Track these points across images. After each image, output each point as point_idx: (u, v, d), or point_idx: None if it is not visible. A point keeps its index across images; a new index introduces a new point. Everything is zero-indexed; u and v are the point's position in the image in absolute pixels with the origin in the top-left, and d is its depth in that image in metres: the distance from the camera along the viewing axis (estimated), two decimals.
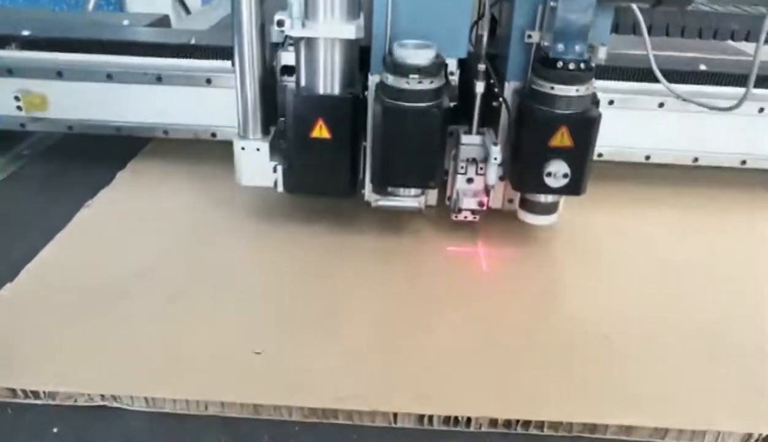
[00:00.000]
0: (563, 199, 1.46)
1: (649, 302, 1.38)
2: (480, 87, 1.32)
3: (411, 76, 1.25)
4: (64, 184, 1.72)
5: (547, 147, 1.30)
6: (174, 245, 1.48)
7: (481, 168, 1.41)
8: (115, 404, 1.09)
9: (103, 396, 1.09)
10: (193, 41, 1.72)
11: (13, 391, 1.09)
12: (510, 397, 1.12)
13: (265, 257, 1.49)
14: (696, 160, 1.73)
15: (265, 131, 1.45)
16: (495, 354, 1.22)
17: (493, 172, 1.38)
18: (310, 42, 1.33)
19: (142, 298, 1.31)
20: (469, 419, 1.08)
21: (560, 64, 1.25)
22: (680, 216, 1.69)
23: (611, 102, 1.65)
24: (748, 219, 1.69)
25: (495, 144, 1.35)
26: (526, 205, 1.45)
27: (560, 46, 1.24)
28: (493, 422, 1.08)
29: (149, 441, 1.05)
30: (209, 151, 1.71)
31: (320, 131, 1.35)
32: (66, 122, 1.74)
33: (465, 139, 1.39)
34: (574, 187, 1.34)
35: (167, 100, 1.69)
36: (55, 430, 1.05)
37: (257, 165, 1.45)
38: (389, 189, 1.45)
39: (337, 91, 1.36)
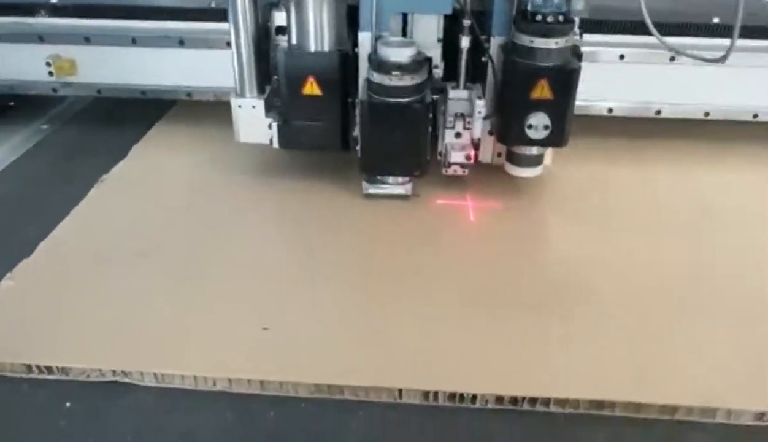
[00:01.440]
0: (550, 152, 1.50)
1: (642, 257, 1.39)
2: (465, 42, 1.35)
3: (393, 73, 1.31)
4: (83, 156, 1.75)
5: (528, 99, 1.34)
6: (183, 221, 1.50)
7: (469, 122, 1.43)
8: (125, 380, 1.11)
9: (114, 372, 1.11)
10: (213, 5, 1.72)
11: (29, 367, 1.12)
12: (516, 372, 1.12)
13: (270, 230, 1.52)
14: (707, 114, 1.71)
15: (261, 90, 1.49)
16: (495, 325, 1.22)
17: (478, 126, 1.42)
18: (300, 1, 1.36)
19: (152, 275, 1.33)
20: (474, 396, 1.07)
21: (539, 17, 1.29)
22: (675, 169, 1.69)
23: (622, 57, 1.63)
24: (749, 174, 1.68)
25: (480, 98, 1.39)
26: (512, 158, 1.49)
27: (538, 0, 1.27)
28: (500, 399, 1.07)
29: (158, 416, 1.06)
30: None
31: (311, 88, 1.40)
32: (95, 86, 1.77)
33: (452, 94, 1.42)
34: (555, 139, 1.39)
35: (190, 63, 1.72)
36: (67, 405, 1.07)
37: (253, 122, 1.49)
38: (378, 177, 1.51)
39: (326, 48, 1.39)
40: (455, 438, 1.03)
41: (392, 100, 1.35)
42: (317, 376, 1.10)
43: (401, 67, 1.32)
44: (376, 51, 1.34)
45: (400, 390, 1.08)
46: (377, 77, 1.34)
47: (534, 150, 1.46)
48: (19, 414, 1.07)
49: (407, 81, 1.33)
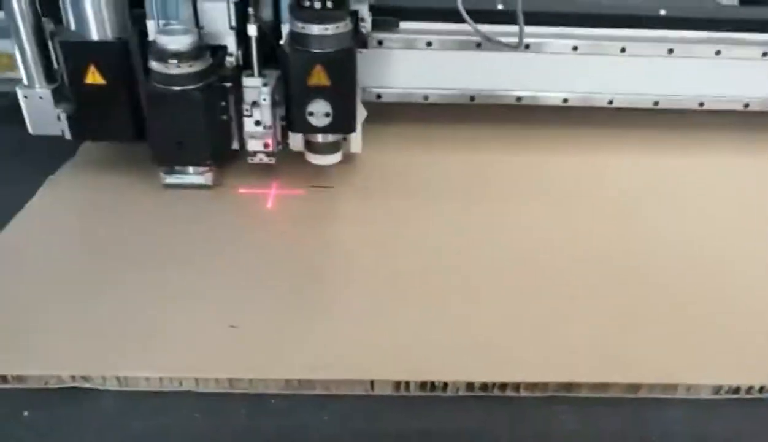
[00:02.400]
0: (358, 139, 1.53)
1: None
2: (252, 30, 1.35)
3: (170, 61, 1.30)
4: (27, 156, 1.65)
5: (307, 87, 1.35)
6: (141, 218, 1.46)
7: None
8: (86, 385, 1.07)
9: (73, 377, 1.07)
10: None
11: None
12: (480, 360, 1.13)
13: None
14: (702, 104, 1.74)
15: (50, 79, 1.44)
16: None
17: (266, 113, 1.42)
18: None
19: (110, 275, 1.29)
20: (445, 384, 1.07)
21: (307, 3, 1.30)
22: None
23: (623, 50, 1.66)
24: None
25: (264, 85, 1.39)
26: (309, 145, 1.51)
27: None
28: (470, 386, 1.08)
29: (123, 420, 1.03)
30: None
31: (94, 77, 1.37)
32: None
33: (246, 82, 1.41)
34: (339, 126, 1.41)
35: None
36: (25, 414, 1.03)
37: (42, 113, 1.45)
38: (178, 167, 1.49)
39: (105, 35, 1.36)
40: (429, 428, 1.03)
41: (172, 88, 1.33)
42: (287, 371, 1.10)
43: (179, 55, 1.31)
44: (155, 39, 1.32)
45: (372, 381, 1.08)
46: (156, 66, 1.32)
47: (329, 137, 1.47)
48: None
49: (185, 69, 1.32)
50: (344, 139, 1.53)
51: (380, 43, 1.62)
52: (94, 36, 1.36)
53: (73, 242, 1.41)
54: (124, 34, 1.37)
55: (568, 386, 1.09)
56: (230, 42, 1.41)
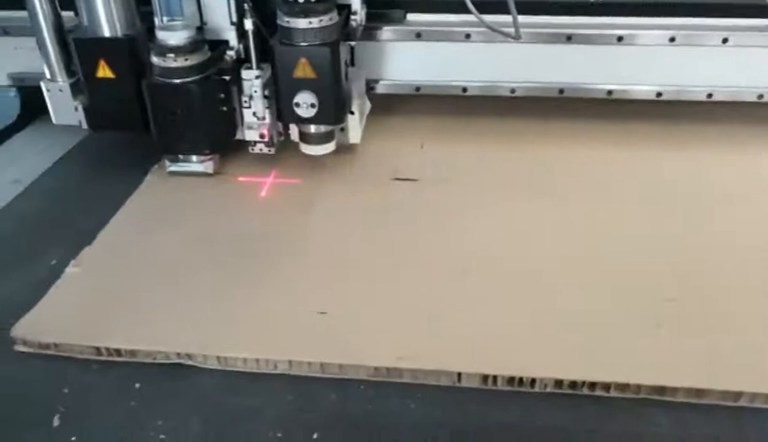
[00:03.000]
0: (356, 129, 1.57)
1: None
2: (248, 24, 1.39)
3: (168, 55, 1.36)
4: (128, 153, 1.75)
5: (292, 79, 1.40)
6: (236, 206, 1.53)
7: (266, 102, 1.49)
8: (189, 362, 1.14)
9: (178, 354, 1.14)
10: None
11: (98, 349, 1.16)
12: (572, 356, 1.12)
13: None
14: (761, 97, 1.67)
15: (70, 73, 1.52)
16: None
17: (258, 104, 1.48)
18: None
19: (211, 262, 1.37)
20: (533, 380, 1.07)
21: None
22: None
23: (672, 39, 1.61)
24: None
25: (257, 77, 1.44)
26: (302, 136, 1.55)
27: None
28: (558, 383, 1.06)
29: (221, 397, 1.09)
30: None
31: (104, 71, 1.44)
32: None
33: (244, 74, 1.46)
34: (325, 116, 1.45)
35: None
36: (137, 386, 1.11)
37: (63, 105, 1.53)
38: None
39: (115, 32, 1.43)
40: (514, 423, 1.03)
41: (170, 80, 1.39)
42: (376, 359, 1.12)
43: (177, 49, 1.37)
44: (156, 35, 1.38)
45: (459, 374, 1.09)
46: (156, 60, 1.38)
47: (321, 128, 1.51)
48: (91, 395, 1.10)
49: (182, 62, 1.37)
50: (342, 129, 1.57)
51: (419, 35, 1.66)
52: (105, 33, 1.43)
53: (171, 233, 1.47)
54: (132, 31, 1.45)
55: (662, 390, 1.06)
56: (231, 37, 1.46)
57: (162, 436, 1.03)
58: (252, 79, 1.45)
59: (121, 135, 1.74)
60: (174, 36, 1.38)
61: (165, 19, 1.44)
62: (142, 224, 1.48)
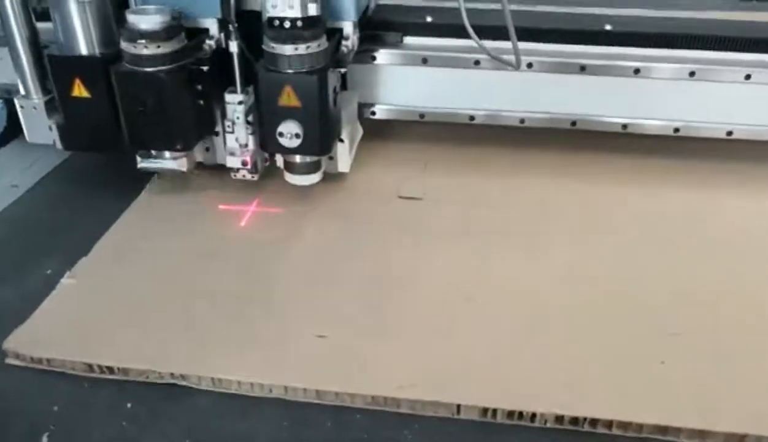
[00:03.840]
0: (345, 158, 1.52)
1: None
2: (233, 46, 1.35)
3: (139, 41, 1.28)
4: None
5: (277, 107, 1.33)
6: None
7: (248, 128, 1.43)
8: (183, 383, 1.11)
9: (172, 374, 1.12)
10: None
11: (90, 366, 1.14)
12: (573, 391, 1.10)
13: None
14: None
15: (45, 91, 1.47)
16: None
17: (240, 131, 1.41)
18: (60, 5, 1.33)
19: (210, 278, 1.34)
20: (533, 415, 1.05)
21: (276, 22, 1.27)
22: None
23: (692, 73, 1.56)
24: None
25: (240, 103, 1.38)
26: (286, 165, 1.48)
27: (272, 4, 1.27)
28: (559, 419, 1.04)
29: (214, 420, 1.07)
30: None
31: (79, 90, 1.38)
32: None
33: (228, 98, 1.40)
34: (310, 147, 1.38)
35: None
36: (128, 405, 1.09)
37: (37, 123, 1.49)
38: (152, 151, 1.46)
39: (91, 50, 1.37)
40: None
41: (142, 69, 1.31)
42: (374, 387, 1.10)
43: (149, 35, 1.28)
44: (126, 18, 1.30)
45: (458, 405, 1.06)
46: (126, 45, 1.30)
47: (307, 157, 1.44)
48: (82, 413, 1.07)
49: (153, 49, 1.29)
50: (330, 158, 1.51)
51: (425, 61, 1.61)
52: (82, 50, 1.37)
53: (168, 246, 1.45)
54: (111, 50, 1.37)
55: (665, 430, 1.04)
56: (212, 25, 1.39)
57: None
58: (235, 104, 1.39)
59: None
60: (146, 20, 1.29)
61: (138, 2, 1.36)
62: (139, 237, 1.46)
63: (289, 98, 1.33)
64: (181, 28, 1.34)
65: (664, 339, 1.19)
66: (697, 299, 1.28)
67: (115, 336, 1.19)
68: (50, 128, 1.48)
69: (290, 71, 1.31)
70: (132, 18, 1.29)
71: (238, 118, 1.39)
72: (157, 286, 1.31)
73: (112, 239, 1.45)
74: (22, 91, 1.47)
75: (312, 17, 1.27)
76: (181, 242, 1.44)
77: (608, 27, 1.57)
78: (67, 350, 1.16)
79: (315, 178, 1.49)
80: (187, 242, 1.44)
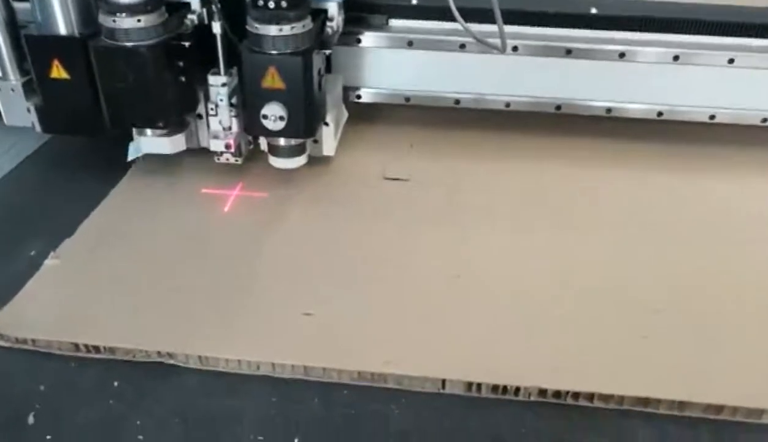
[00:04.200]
0: (330, 141, 1.50)
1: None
2: (216, 27, 1.31)
3: (118, 14, 1.24)
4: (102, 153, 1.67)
5: (260, 89, 1.31)
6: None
7: (232, 110, 1.40)
8: (170, 361, 1.12)
9: (159, 353, 1.12)
10: None
11: (76, 345, 1.14)
12: (555, 366, 1.12)
13: None
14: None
15: (23, 72, 1.44)
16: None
17: (223, 114, 1.38)
18: None
19: (195, 260, 1.34)
20: (517, 389, 1.06)
21: (261, 2, 1.24)
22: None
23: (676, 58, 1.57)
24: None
25: (223, 85, 1.35)
26: (271, 148, 1.46)
27: None
28: (542, 392, 1.06)
29: (201, 398, 1.07)
30: None
31: (58, 71, 1.34)
32: None
33: (211, 80, 1.36)
34: (295, 130, 1.36)
35: None
36: (115, 384, 1.09)
37: (15, 106, 1.46)
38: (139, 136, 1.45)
39: (70, 30, 1.33)
40: (496, 430, 1.02)
41: (121, 44, 1.28)
42: (360, 363, 1.11)
43: (129, 8, 1.25)
44: None
45: (444, 380, 1.08)
46: (104, 19, 1.27)
47: (291, 141, 1.43)
48: (68, 393, 1.07)
49: (133, 23, 1.26)
50: (315, 141, 1.50)
51: (410, 44, 1.60)
52: (61, 30, 1.33)
53: (153, 228, 1.44)
54: (90, 30, 1.34)
55: (645, 401, 1.06)
56: (194, 0, 1.35)
57: (140, 436, 1.01)
58: (218, 86, 1.36)
59: None
60: None
61: None
62: (122, 220, 1.45)
63: (273, 80, 1.31)
64: (162, 1, 1.30)
65: (647, 316, 1.21)
66: (680, 279, 1.30)
67: (101, 316, 1.19)
68: (29, 110, 1.45)
69: (274, 52, 1.29)
70: None
71: (221, 100, 1.36)
72: (141, 267, 1.31)
73: (96, 221, 1.44)
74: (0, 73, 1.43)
75: None
76: (165, 225, 1.43)
77: (594, 11, 1.57)
78: (52, 330, 1.15)
79: (300, 161, 1.48)
80: (172, 225, 1.43)
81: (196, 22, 1.36)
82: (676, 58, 1.56)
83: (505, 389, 1.07)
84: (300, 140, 1.45)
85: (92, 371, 1.12)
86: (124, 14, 1.25)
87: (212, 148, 1.43)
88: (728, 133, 1.68)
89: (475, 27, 1.43)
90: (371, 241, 1.39)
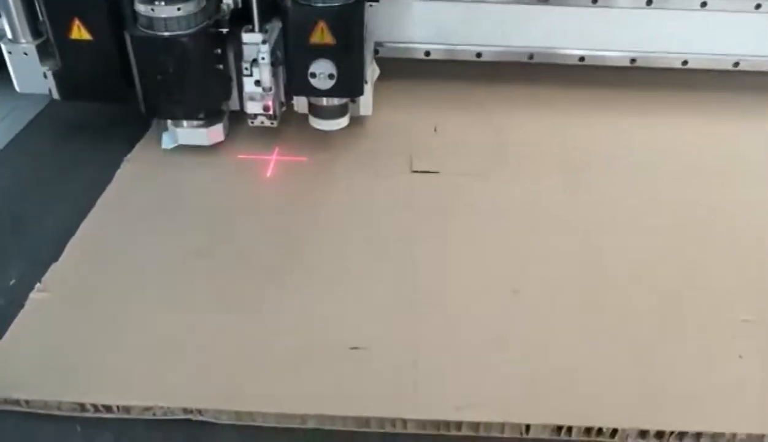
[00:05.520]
0: (368, 100, 1.42)
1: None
2: None
3: (157, 2, 1.19)
4: (92, 131, 1.52)
5: (308, 45, 1.24)
6: (225, 216, 1.30)
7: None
8: (199, 418, 0.93)
9: (184, 410, 0.93)
10: None
11: (82, 405, 0.95)
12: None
13: None
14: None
15: (36, 34, 1.34)
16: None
17: (265, 73, 1.28)
18: None
19: (208, 287, 1.14)
20: (614, 431, 0.91)
21: None
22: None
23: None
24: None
25: (264, 42, 1.26)
26: (312, 109, 1.39)
27: None
28: (643, 434, 0.91)
29: None
30: None
31: (79, 32, 1.27)
32: None
33: (246, 37, 1.28)
34: (344, 89, 1.30)
35: None
36: None
37: (28, 71, 1.35)
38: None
39: None
40: None
41: (160, 33, 1.21)
42: (428, 410, 0.96)
43: None
44: None
45: (528, 425, 0.92)
46: (143, 8, 1.20)
47: (335, 100, 1.35)
48: None
49: (174, 12, 1.19)
50: (352, 101, 1.40)
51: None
52: None
53: (158, 239, 1.25)
54: None
55: (761, 439, 0.92)
56: None
57: None
58: (258, 44, 1.25)
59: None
60: None
61: None
62: (121, 227, 1.26)
63: (322, 35, 1.23)
64: None
65: (737, 327, 1.06)
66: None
67: (107, 364, 1.00)
68: (45, 76, 1.34)
69: (324, 5, 1.21)
70: None
71: (263, 58, 1.25)
72: (151, 290, 1.12)
73: (90, 228, 1.24)
74: (9, 35, 1.32)
75: None
76: (169, 231, 1.25)
77: None
78: (49, 387, 0.96)
79: (343, 122, 1.40)
80: (178, 232, 1.25)
81: (231, 5, 1.28)
82: (649, 2, 1.52)
83: (600, 431, 0.93)
84: (342, 100, 1.37)
85: (106, 434, 0.94)
86: (163, 2, 1.19)
87: (249, 110, 1.34)
88: (704, 77, 1.64)
89: None
90: (415, 244, 1.22)
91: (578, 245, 1.23)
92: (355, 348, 1.04)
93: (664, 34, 1.55)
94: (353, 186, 1.35)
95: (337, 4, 1.20)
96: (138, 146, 1.45)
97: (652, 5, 1.51)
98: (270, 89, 1.30)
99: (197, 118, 1.35)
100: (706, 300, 1.12)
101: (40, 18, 1.30)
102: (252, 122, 1.36)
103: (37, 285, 1.11)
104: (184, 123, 1.36)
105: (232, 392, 0.97)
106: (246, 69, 1.29)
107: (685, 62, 1.59)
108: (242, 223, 1.26)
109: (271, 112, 1.33)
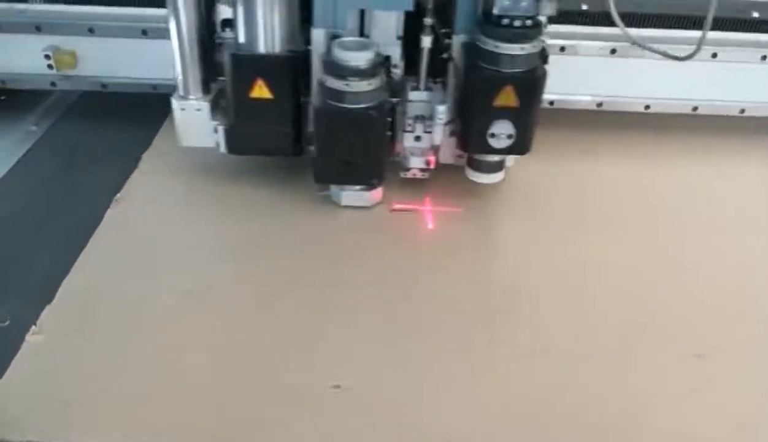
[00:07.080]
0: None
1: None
2: (426, 42, 1.27)
3: (350, 78, 1.22)
4: (87, 162, 1.50)
5: (491, 107, 1.27)
6: (225, 250, 1.32)
7: (429, 125, 1.36)
8: None
9: None
10: None
11: None
12: None
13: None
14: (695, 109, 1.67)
15: (206, 90, 1.38)
16: None
17: (438, 132, 1.35)
18: None
19: (206, 323, 1.10)
20: None
21: (505, 20, 1.21)
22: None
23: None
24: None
25: (442, 103, 1.32)
26: (473, 163, 1.41)
27: (506, 2, 1.20)
28: None
29: None
30: None
31: (260, 91, 1.30)
32: (99, 80, 1.61)
33: (412, 95, 1.33)
34: (518, 148, 1.32)
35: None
36: None
37: (198, 125, 1.38)
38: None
39: (276, 48, 1.29)
40: None
41: (348, 106, 1.24)
42: None
43: (358, 72, 1.22)
44: (331, 53, 1.23)
45: None
46: (332, 82, 1.23)
47: (496, 156, 1.38)
48: None
49: (364, 86, 1.23)
50: None
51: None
52: (262, 49, 1.28)
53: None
54: (291, 47, 1.29)
55: None
56: (395, 52, 1.31)
57: None
58: (432, 104, 1.33)
59: (91, 123, 1.59)
60: (357, 57, 1.21)
61: (328, 32, 1.27)
62: (117, 269, 1.21)
63: (507, 98, 1.25)
64: (382, 62, 1.27)
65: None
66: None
67: (103, 404, 0.95)
68: (215, 131, 1.37)
69: (514, 71, 1.23)
70: (340, 54, 1.22)
71: (440, 119, 1.33)
72: (148, 333, 1.07)
73: (78, 276, 1.17)
74: (180, 92, 1.35)
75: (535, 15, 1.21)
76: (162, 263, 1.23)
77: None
78: (53, 435, 0.90)
79: (501, 175, 1.42)
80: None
81: (400, 75, 1.33)
82: (613, 51, 1.58)
83: None
84: (503, 156, 1.39)
85: None
86: (356, 78, 1.22)
87: (412, 165, 1.40)
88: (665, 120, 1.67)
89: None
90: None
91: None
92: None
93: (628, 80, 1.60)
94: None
95: (523, 70, 1.23)
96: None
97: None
98: (438, 146, 1.36)
99: (370, 185, 1.37)
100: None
101: (216, 77, 1.34)
102: (404, 174, 1.41)
103: (33, 327, 1.06)
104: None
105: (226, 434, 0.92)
106: (409, 125, 1.34)
107: (647, 107, 1.66)
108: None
109: (432, 166, 1.38)
